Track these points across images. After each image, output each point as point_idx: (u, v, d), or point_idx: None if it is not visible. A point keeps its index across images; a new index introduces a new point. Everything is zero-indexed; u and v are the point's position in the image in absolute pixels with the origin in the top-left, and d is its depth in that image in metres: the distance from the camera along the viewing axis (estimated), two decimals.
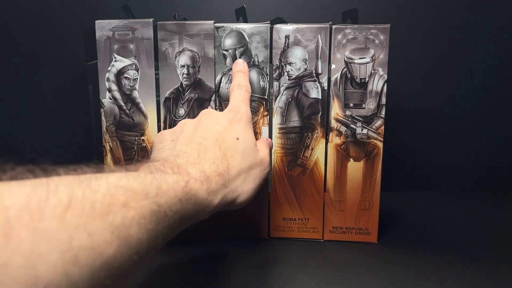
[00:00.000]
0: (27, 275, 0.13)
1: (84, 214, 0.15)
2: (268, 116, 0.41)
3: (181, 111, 0.41)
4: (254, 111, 0.40)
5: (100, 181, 0.18)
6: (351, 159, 0.41)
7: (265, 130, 0.41)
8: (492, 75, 0.62)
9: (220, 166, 0.27)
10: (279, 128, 0.41)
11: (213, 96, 0.40)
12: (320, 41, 0.39)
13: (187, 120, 0.33)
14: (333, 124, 0.40)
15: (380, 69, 0.39)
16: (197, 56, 0.40)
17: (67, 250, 0.14)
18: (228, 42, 0.39)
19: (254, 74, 0.40)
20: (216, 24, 0.39)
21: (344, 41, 0.39)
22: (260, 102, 0.40)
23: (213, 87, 0.40)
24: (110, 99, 0.41)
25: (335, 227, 0.42)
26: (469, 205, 0.57)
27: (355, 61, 0.39)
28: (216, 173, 0.26)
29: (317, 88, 0.40)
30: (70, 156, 0.61)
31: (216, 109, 0.40)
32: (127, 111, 0.41)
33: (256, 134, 0.40)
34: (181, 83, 0.40)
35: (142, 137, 0.41)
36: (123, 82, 0.40)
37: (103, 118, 0.41)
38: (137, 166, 0.24)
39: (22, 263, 0.13)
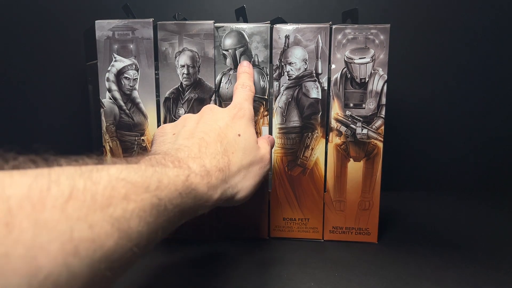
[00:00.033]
0: (28, 266, 0.13)
1: (85, 206, 0.15)
2: (268, 116, 0.41)
3: (181, 111, 0.41)
4: (254, 111, 0.40)
5: (102, 172, 0.18)
6: (351, 159, 0.41)
7: (265, 130, 0.41)
8: (492, 75, 0.62)
9: (221, 162, 0.27)
10: (279, 128, 0.41)
11: (213, 96, 0.40)
12: (320, 41, 0.39)
13: (189, 115, 0.33)
14: (333, 124, 0.40)
15: (380, 69, 0.39)
16: (197, 56, 0.40)
17: (68, 241, 0.14)
18: (228, 42, 0.39)
19: (254, 74, 0.40)
20: (216, 24, 0.39)
21: (344, 41, 0.39)
22: (260, 102, 0.40)
23: (213, 87, 0.40)
24: (110, 99, 0.41)
25: (335, 227, 0.42)
26: (469, 205, 0.57)
27: (355, 61, 0.39)
28: (217, 168, 0.26)
29: (317, 88, 0.40)
30: (70, 156, 0.61)
31: None
32: (127, 111, 0.41)
33: (256, 134, 0.40)
34: (181, 83, 0.40)
35: (142, 137, 0.41)
36: (123, 82, 0.40)
37: (103, 118, 0.41)
38: (138, 159, 0.24)
39: (23, 254, 0.13)
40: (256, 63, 0.40)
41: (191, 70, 0.40)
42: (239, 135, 0.30)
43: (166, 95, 0.40)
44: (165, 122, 0.41)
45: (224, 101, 0.40)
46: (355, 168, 0.41)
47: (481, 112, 0.63)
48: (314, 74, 0.39)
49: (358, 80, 0.39)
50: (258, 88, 0.40)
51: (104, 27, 0.39)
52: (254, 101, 0.40)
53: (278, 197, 0.42)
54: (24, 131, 0.62)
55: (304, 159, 0.41)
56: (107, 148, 0.41)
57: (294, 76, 0.40)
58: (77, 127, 0.61)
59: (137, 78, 0.40)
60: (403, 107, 0.62)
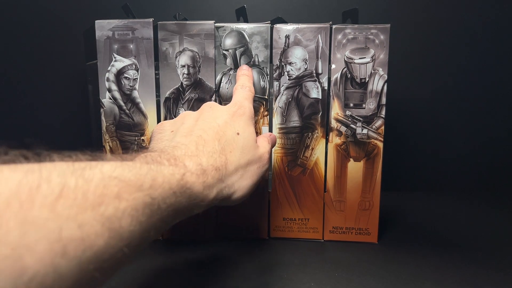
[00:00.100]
0: (13, 266, 0.13)
1: (75, 204, 0.15)
2: (268, 116, 0.41)
3: (181, 111, 0.41)
4: (254, 111, 0.40)
5: (94, 170, 0.17)
6: (351, 159, 0.41)
7: (265, 130, 0.41)
8: (492, 75, 0.62)
9: (218, 160, 0.27)
10: (279, 128, 0.41)
11: (213, 96, 0.40)
12: (320, 41, 0.39)
13: (188, 112, 0.32)
14: (333, 124, 0.40)
15: (380, 69, 0.39)
16: (197, 56, 0.40)
17: (56, 241, 0.14)
18: (229, 42, 0.39)
19: (254, 74, 0.40)
20: (216, 24, 0.39)
21: (344, 41, 0.39)
22: (260, 102, 0.40)
23: (214, 87, 0.40)
24: (110, 99, 0.41)
25: (335, 227, 0.42)
26: (469, 205, 0.57)
27: (355, 61, 0.39)
28: (213, 167, 0.26)
29: (317, 88, 0.40)
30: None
31: None
32: (127, 111, 0.41)
33: (256, 133, 0.40)
34: (181, 83, 0.40)
35: (142, 137, 0.41)
36: (123, 82, 0.40)
37: (103, 118, 0.41)
38: (133, 156, 0.24)
39: (8, 254, 0.13)
40: (256, 63, 0.40)
41: (191, 70, 0.40)
42: (238, 133, 0.30)
43: (167, 95, 0.40)
44: None
45: (224, 101, 0.40)
46: (355, 168, 0.41)
47: (481, 112, 0.63)
48: (314, 74, 0.39)
49: (358, 80, 0.39)
50: (258, 88, 0.40)
51: (104, 27, 0.39)
52: (254, 101, 0.40)
53: (278, 197, 0.42)
54: (24, 131, 0.62)
55: (304, 159, 0.41)
56: (107, 148, 0.41)
57: (294, 76, 0.40)
58: (77, 127, 0.61)
59: (137, 78, 0.40)
60: (403, 107, 0.62)
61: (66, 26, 0.60)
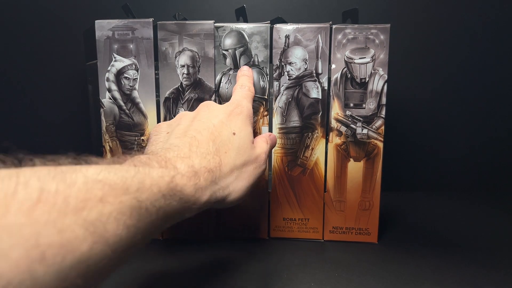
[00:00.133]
0: None
1: (55, 209, 0.15)
2: (268, 116, 0.41)
3: (181, 111, 0.41)
4: (254, 111, 0.40)
5: (78, 174, 0.17)
6: (351, 159, 0.41)
7: (265, 130, 0.41)
8: (492, 75, 0.62)
9: (212, 162, 0.26)
10: (279, 128, 0.41)
11: (213, 96, 0.40)
12: (320, 41, 0.39)
13: (185, 113, 0.32)
14: (333, 124, 0.40)
15: (380, 69, 0.39)
16: (197, 56, 0.40)
17: (33, 247, 0.14)
18: (228, 42, 0.39)
19: (254, 74, 0.40)
20: (216, 24, 0.39)
21: (344, 41, 0.39)
22: (260, 102, 0.40)
23: (213, 87, 0.40)
24: (110, 99, 0.41)
25: (335, 227, 0.42)
26: (469, 205, 0.57)
27: (355, 61, 0.39)
28: (206, 169, 0.25)
29: (317, 88, 0.40)
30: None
31: None
32: (127, 111, 0.41)
33: (256, 133, 0.40)
34: (181, 83, 0.40)
35: (142, 137, 0.41)
36: (123, 82, 0.40)
37: (102, 118, 0.41)
38: (122, 159, 0.23)
39: None
40: (256, 63, 0.40)
41: (191, 70, 0.40)
42: (234, 133, 0.29)
43: (166, 95, 0.40)
44: None
45: (224, 101, 0.40)
46: (355, 168, 0.41)
47: (481, 112, 0.63)
48: (314, 74, 0.39)
49: (358, 80, 0.39)
50: (258, 88, 0.40)
51: (104, 27, 0.39)
52: (254, 101, 0.39)
53: (278, 197, 0.42)
54: (24, 131, 0.62)
55: (304, 159, 0.41)
56: (107, 148, 0.41)
57: (294, 76, 0.40)
58: (77, 127, 0.61)
59: (137, 78, 0.40)
60: (403, 107, 0.62)
61: (66, 26, 0.60)
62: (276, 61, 0.39)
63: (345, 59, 0.39)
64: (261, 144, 0.32)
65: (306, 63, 0.39)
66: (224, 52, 0.40)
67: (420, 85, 0.62)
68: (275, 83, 0.40)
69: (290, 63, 0.39)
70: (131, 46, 0.40)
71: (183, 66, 0.40)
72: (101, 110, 0.41)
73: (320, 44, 0.39)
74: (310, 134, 0.40)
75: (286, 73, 0.40)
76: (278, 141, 0.41)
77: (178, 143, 0.27)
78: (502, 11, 0.60)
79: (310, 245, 0.42)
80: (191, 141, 0.27)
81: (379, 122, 0.40)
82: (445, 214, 0.53)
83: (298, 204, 0.42)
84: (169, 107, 0.41)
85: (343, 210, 0.42)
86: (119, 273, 0.35)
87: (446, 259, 0.38)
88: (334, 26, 0.39)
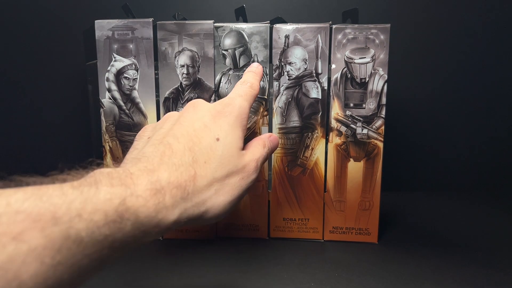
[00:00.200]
0: None
1: None
2: (268, 116, 0.41)
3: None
4: (254, 111, 0.40)
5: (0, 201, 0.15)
6: (351, 159, 0.41)
7: (265, 130, 0.41)
8: (492, 75, 0.62)
9: (184, 175, 0.23)
10: (279, 128, 0.40)
11: (213, 96, 0.40)
12: (320, 41, 0.39)
13: (172, 113, 0.29)
14: (333, 124, 0.40)
15: (380, 69, 0.39)
16: (196, 56, 0.40)
17: None
18: (228, 42, 0.39)
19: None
20: (215, 24, 0.39)
21: (344, 41, 0.39)
22: (260, 102, 0.40)
23: (213, 87, 0.40)
24: (110, 99, 0.41)
25: (335, 227, 0.42)
26: (469, 205, 0.57)
27: (355, 61, 0.39)
28: (174, 184, 0.22)
29: (317, 88, 0.40)
30: (69, 156, 0.61)
31: None
32: (127, 111, 0.41)
33: (256, 134, 0.40)
34: (181, 83, 0.40)
35: None
36: (122, 82, 0.40)
37: (102, 118, 0.41)
38: (78, 175, 0.20)
39: None
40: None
41: (190, 70, 0.40)
42: (217, 139, 0.26)
43: (166, 95, 0.40)
44: None
45: None
46: (355, 168, 0.41)
47: (481, 112, 0.63)
48: (314, 74, 0.39)
49: (358, 80, 0.39)
50: None
51: (104, 27, 0.39)
52: (254, 101, 0.39)
53: (278, 197, 0.42)
54: (24, 131, 0.62)
55: (304, 159, 0.41)
56: (107, 148, 0.41)
57: (294, 76, 0.40)
58: (77, 127, 0.61)
59: (136, 78, 0.40)
60: (403, 107, 0.62)
61: (66, 26, 0.60)
62: (276, 61, 0.39)
63: (345, 59, 0.39)
64: (254, 149, 0.28)
65: (306, 63, 0.39)
66: (223, 52, 0.40)
67: (420, 85, 0.62)
68: (275, 83, 0.40)
69: (290, 63, 0.39)
70: (131, 46, 0.40)
71: (183, 66, 0.40)
72: (101, 110, 0.41)
73: (320, 44, 0.39)
74: (310, 134, 0.40)
75: (286, 73, 0.40)
76: (279, 141, 0.40)
77: (151, 152, 0.24)
78: (502, 11, 0.60)
79: (310, 245, 0.42)
80: (165, 150, 0.24)
81: (379, 122, 0.40)
82: (445, 214, 0.52)
83: (298, 204, 0.42)
84: (169, 107, 0.41)
85: (343, 210, 0.42)
86: (119, 273, 0.35)
87: (446, 259, 0.38)
88: (334, 26, 0.39)
